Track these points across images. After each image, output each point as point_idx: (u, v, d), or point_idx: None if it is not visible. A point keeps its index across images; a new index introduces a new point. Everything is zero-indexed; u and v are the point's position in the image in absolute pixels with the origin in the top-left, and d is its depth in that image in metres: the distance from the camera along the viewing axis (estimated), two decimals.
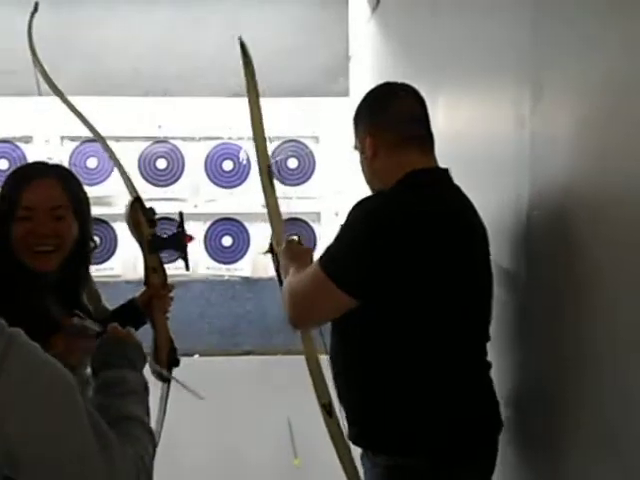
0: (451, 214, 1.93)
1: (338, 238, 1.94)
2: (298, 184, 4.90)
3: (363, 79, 4.48)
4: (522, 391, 2.03)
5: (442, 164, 2.05)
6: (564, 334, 1.73)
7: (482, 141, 2.28)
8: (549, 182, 1.81)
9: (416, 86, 2.11)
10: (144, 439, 1.30)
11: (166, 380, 2.32)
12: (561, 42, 1.73)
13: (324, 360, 2.25)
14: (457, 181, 2.01)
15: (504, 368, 2.04)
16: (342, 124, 4.58)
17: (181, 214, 2.39)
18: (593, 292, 1.58)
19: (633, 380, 1.40)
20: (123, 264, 4.55)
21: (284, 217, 4.82)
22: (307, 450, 4.51)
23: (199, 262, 4.85)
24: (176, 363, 2.32)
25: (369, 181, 2.14)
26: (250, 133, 4.70)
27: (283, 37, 4.81)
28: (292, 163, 4.90)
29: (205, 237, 4.85)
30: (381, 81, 2.17)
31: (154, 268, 2.30)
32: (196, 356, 4.76)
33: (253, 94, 2.61)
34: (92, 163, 4.73)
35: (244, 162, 4.86)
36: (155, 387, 2.30)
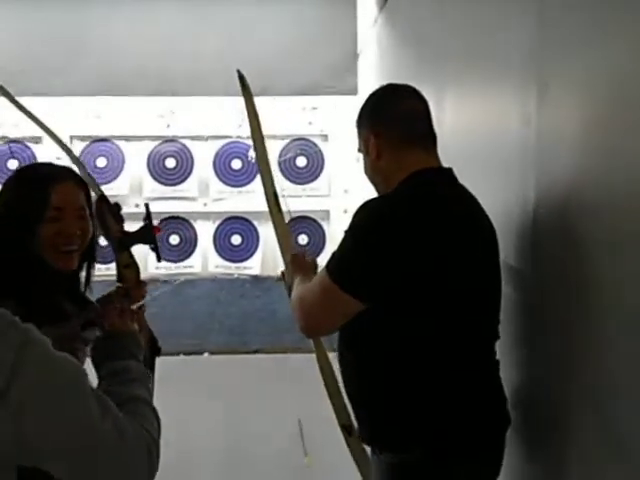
0: (456, 214, 1.93)
1: (343, 242, 1.95)
2: (307, 182, 4.91)
3: (371, 77, 4.48)
4: (528, 389, 2.03)
5: (448, 162, 2.05)
6: (571, 332, 1.73)
7: (488, 139, 2.27)
8: (555, 180, 1.81)
9: (423, 84, 2.11)
10: (149, 416, 1.40)
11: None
12: (567, 40, 1.73)
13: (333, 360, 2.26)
14: (463, 179, 2.01)
15: (511, 366, 2.04)
16: (350, 122, 4.58)
17: (147, 206, 2.42)
18: (599, 290, 1.58)
19: (636, 378, 1.40)
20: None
21: (293, 215, 4.86)
22: (317, 448, 4.52)
23: (208, 260, 4.86)
24: (158, 352, 2.36)
25: (373, 182, 2.14)
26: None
27: (291, 35, 4.82)
28: (301, 161, 4.91)
29: (214, 236, 4.87)
30: (389, 79, 2.18)
31: (126, 264, 2.34)
32: (206, 354, 4.78)
33: (255, 124, 2.63)
34: (101, 162, 4.76)
35: (253, 160, 4.87)
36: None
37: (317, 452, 4.52)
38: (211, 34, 4.83)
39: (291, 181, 4.89)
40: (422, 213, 1.89)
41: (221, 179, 4.85)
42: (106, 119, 4.80)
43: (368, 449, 2.15)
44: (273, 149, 4.89)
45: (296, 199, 4.85)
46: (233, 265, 4.87)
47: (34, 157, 4.72)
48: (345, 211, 4.73)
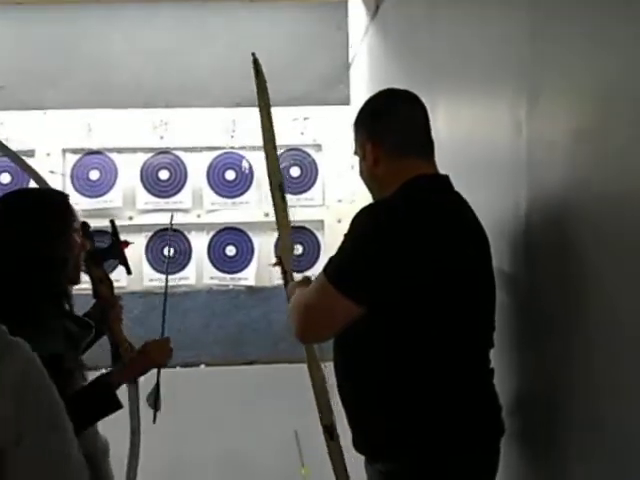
0: (451, 221, 1.93)
1: (341, 247, 1.95)
2: (301, 192, 4.91)
3: (363, 87, 4.49)
4: (523, 395, 2.03)
5: (441, 170, 2.05)
6: (564, 337, 1.74)
7: (480, 147, 2.28)
8: (546, 187, 1.82)
9: (415, 92, 2.11)
10: None
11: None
12: (557, 52, 1.74)
13: (328, 369, 2.25)
14: (457, 187, 2.02)
15: (505, 373, 2.04)
16: (343, 131, 4.60)
17: (112, 222, 2.49)
18: (591, 296, 1.59)
19: (634, 382, 1.40)
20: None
21: None
22: (314, 459, 4.50)
23: (203, 272, 4.86)
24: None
25: (369, 187, 2.14)
26: (254, 142, 4.73)
27: (283, 46, 4.83)
28: (295, 171, 4.91)
29: (209, 247, 4.86)
30: (381, 88, 2.18)
31: (100, 279, 2.39)
32: (202, 366, 4.77)
33: (265, 114, 2.62)
34: (94, 175, 4.75)
35: (246, 171, 4.87)
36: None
37: (314, 463, 4.51)
38: (204, 46, 4.83)
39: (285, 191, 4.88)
40: (419, 219, 1.89)
41: (215, 190, 4.85)
42: (99, 131, 4.79)
43: (360, 457, 2.14)
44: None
45: (290, 209, 4.85)
46: (228, 276, 4.86)
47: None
48: (339, 220, 4.73)
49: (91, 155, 4.78)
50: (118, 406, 2.18)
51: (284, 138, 4.87)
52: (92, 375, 2.31)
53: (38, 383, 1.23)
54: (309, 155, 4.92)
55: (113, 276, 2.50)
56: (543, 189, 1.84)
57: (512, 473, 2.03)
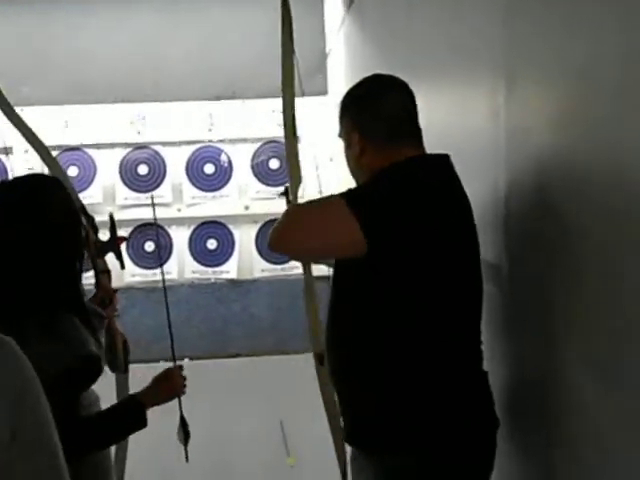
0: (442, 200, 1.92)
1: (359, 185, 1.93)
2: (280, 184, 4.89)
3: (341, 77, 4.49)
4: (510, 388, 2.04)
5: None
6: (547, 326, 1.75)
7: (458, 134, 2.28)
8: (524, 172, 1.82)
9: None
10: None
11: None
12: (533, 36, 1.75)
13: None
14: None
15: (492, 363, 2.04)
16: (322, 122, 4.60)
17: (111, 216, 2.50)
18: (571, 282, 1.60)
19: (619, 372, 1.42)
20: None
21: (268, 218, 4.85)
22: (300, 449, 4.52)
23: (185, 266, 4.85)
24: (128, 353, 2.49)
25: (353, 172, 2.11)
26: (233, 135, 4.73)
27: (259, 37, 4.81)
28: (273, 164, 4.90)
29: (190, 241, 4.85)
30: (359, 78, 2.16)
31: (103, 270, 2.42)
32: (185, 360, 4.76)
33: (288, 47, 2.59)
34: (73, 172, 4.72)
35: (225, 165, 4.86)
36: None
37: (299, 453, 4.53)
38: (180, 38, 4.81)
39: (265, 184, 4.89)
40: (432, 191, 1.89)
41: (194, 184, 4.84)
42: (76, 128, 4.77)
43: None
44: (245, 153, 4.88)
45: (270, 201, 4.85)
46: (210, 270, 4.85)
47: (5, 169, 4.68)
48: None
49: (69, 152, 4.76)
50: (145, 425, 2.16)
51: (262, 130, 4.88)
52: None
53: (33, 387, 1.21)
54: None
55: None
56: (521, 174, 1.84)
57: (502, 465, 2.03)
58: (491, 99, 2.00)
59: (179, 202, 4.84)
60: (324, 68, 4.90)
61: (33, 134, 2.68)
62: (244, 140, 4.90)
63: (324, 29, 4.88)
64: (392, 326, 1.88)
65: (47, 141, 4.62)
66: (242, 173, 4.88)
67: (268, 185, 4.88)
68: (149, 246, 4.80)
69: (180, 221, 4.85)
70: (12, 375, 1.17)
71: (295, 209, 2.06)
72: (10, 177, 4.63)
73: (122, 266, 2.59)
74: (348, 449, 2.17)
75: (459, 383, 1.93)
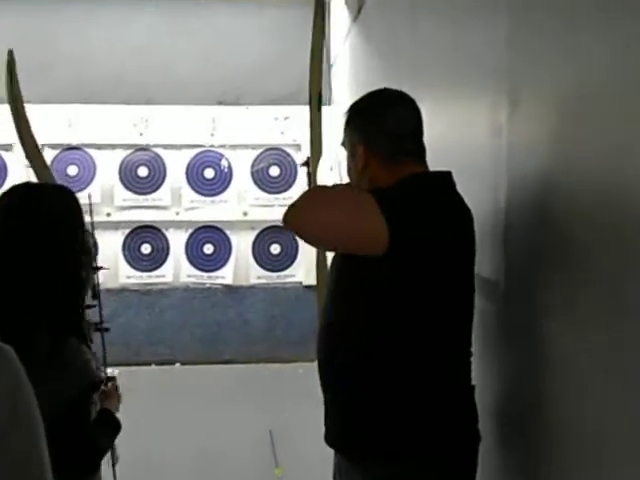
0: (467, 216, 1.93)
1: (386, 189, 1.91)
2: (280, 192, 4.90)
3: (344, 87, 4.50)
4: (498, 400, 2.04)
5: None
6: (543, 340, 1.74)
7: (460, 149, 2.29)
8: (525, 189, 1.83)
9: None
10: None
11: None
12: (537, 52, 1.75)
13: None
14: None
15: (483, 377, 2.04)
16: (324, 132, 4.60)
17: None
18: (570, 299, 1.59)
19: (609, 382, 1.41)
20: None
21: (266, 225, 4.86)
22: (288, 459, 4.51)
23: (180, 270, 4.84)
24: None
25: (355, 182, 2.08)
26: (234, 141, 4.73)
27: (264, 45, 4.83)
28: (274, 171, 4.91)
29: (186, 245, 4.85)
30: (362, 89, 2.16)
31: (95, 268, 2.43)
32: (177, 364, 4.75)
33: (319, 25, 2.59)
34: (72, 171, 4.72)
35: (225, 170, 4.86)
36: None
37: (288, 463, 4.51)
38: (186, 43, 4.82)
39: (264, 190, 4.89)
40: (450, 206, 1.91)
41: (194, 188, 4.84)
42: (78, 127, 4.77)
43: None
44: (245, 159, 4.89)
45: (269, 208, 4.85)
46: (205, 274, 4.85)
47: (5, 166, 4.67)
48: None
49: (70, 150, 4.76)
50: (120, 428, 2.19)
51: (264, 137, 4.89)
52: None
53: (29, 399, 1.19)
54: (289, 155, 4.92)
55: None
56: (522, 191, 1.85)
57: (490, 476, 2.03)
58: (494, 116, 2.00)
59: (177, 205, 4.84)
60: (328, 78, 4.90)
61: (32, 135, 2.68)
62: (245, 146, 4.90)
63: (330, 40, 4.89)
64: (387, 334, 1.88)
65: (48, 139, 4.66)
66: (242, 179, 4.89)
67: (267, 192, 4.88)
68: (145, 248, 4.79)
69: (178, 224, 4.85)
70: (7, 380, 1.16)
71: (322, 190, 2.01)
72: (9, 173, 4.63)
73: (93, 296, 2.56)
74: (331, 459, 2.16)
75: (448, 396, 1.93)
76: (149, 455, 4.43)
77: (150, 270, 4.79)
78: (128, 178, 4.79)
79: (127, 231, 4.77)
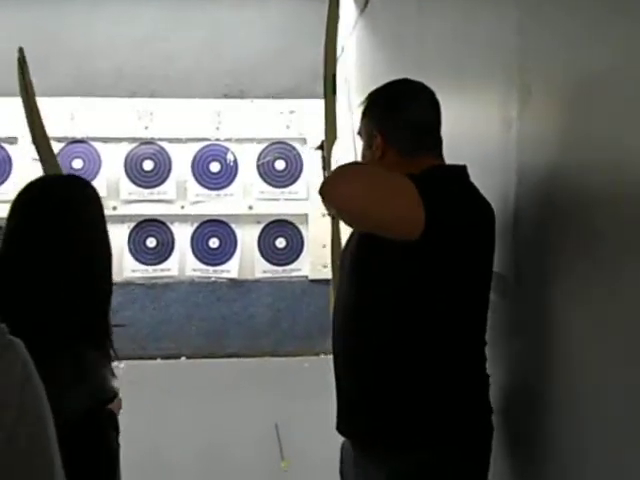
0: (490, 208, 1.93)
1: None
2: (285, 186, 4.89)
3: (351, 80, 4.47)
4: (509, 393, 2.03)
5: None
6: (552, 338, 1.73)
7: (469, 143, 2.27)
8: (536, 183, 1.81)
9: None
10: None
11: None
12: (547, 45, 1.73)
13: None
14: None
15: (493, 371, 2.03)
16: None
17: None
18: (580, 295, 1.58)
19: (623, 377, 1.40)
20: None
21: (271, 218, 4.85)
22: (294, 453, 4.51)
23: (186, 264, 4.83)
24: None
25: None
26: (239, 134, 4.72)
27: (269, 38, 4.81)
28: (279, 165, 4.89)
29: (192, 239, 4.84)
30: (369, 82, 2.16)
31: None
32: (183, 358, 4.75)
33: (334, 12, 2.74)
34: (78, 164, 4.71)
35: (231, 163, 4.85)
36: None
37: (294, 457, 4.51)
38: (190, 36, 4.80)
39: (270, 184, 4.87)
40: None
41: (199, 182, 4.83)
42: (83, 120, 4.76)
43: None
44: (251, 152, 4.87)
45: (274, 202, 4.84)
46: (211, 268, 4.84)
47: (9, 158, 4.66)
48: (323, 215, 4.70)
49: (75, 144, 4.75)
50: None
51: (269, 131, 4.87)
52: None
53: (38, 392, 1.18)
54: (294, 148, 4.90)
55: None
56: (532, 185, 1.84)
57: (497, 472, 2.02)
58: (504, 110, 1.99)
59: (183, 199, 4.83)
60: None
61: (43, 127, 2.66)
62: (251, 140, 4.89)
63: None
64: (408, 323, 1.87)
65: (53, 132, 4.64)
66: (247, 173, 4.87)
67: (273, 186, 4.87)
68: (151, 242, 4.78)
69: (183, 218, 4.84)
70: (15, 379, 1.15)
71: (361, 167, 1.97)
72: (14, 167, 4.62)
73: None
74: (337, 452, 2.15)
75: (465, 386, 1.93)
76: (154, 449, 4.43)
77: (155, 264, 4.78)
78: (133, 172, 4.78)
79: (132, 225, 4.76)
